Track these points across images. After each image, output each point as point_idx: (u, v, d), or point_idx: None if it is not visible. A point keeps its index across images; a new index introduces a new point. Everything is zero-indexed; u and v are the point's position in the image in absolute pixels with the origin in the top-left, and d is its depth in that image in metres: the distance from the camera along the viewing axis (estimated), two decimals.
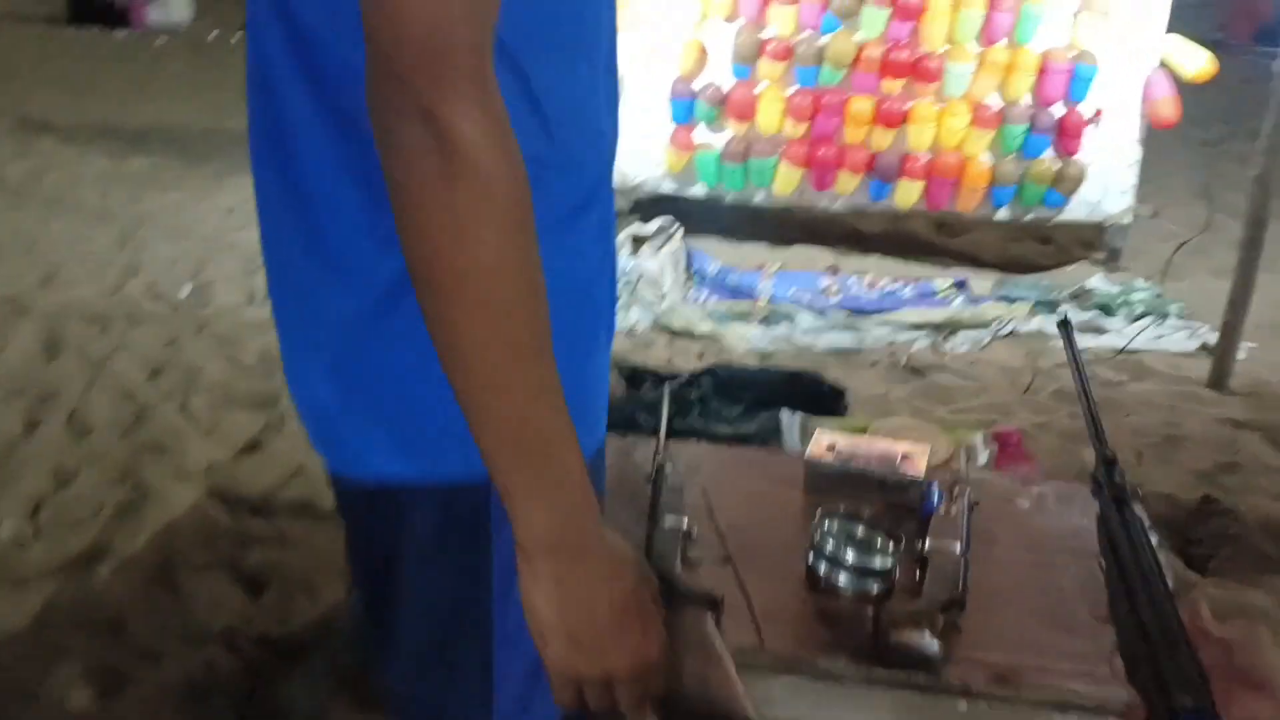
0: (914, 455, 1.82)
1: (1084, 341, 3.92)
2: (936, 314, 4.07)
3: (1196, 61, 4.22)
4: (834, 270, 4.55)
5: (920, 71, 4.41)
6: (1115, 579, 0.91)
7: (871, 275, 4.51)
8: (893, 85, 4.44)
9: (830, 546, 1.53)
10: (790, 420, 2.65)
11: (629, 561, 0.87)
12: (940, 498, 1.74)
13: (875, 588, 1.51)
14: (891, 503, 1.74)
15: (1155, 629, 0.83)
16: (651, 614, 0.87)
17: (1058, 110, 4.43)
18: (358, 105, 0.76)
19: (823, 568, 1.54)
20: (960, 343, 3.90)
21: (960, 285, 4.37)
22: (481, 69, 0.72)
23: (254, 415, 3.10)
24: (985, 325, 4.01)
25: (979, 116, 4.44)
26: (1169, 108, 4.35)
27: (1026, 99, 4.43)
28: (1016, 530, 1.71)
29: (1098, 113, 4.43)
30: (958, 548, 1.59)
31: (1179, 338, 3.96)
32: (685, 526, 1.57)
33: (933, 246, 4.97)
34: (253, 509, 2.66)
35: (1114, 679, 1.37)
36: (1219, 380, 3.59)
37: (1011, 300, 4.24)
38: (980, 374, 3.61)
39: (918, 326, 4.01)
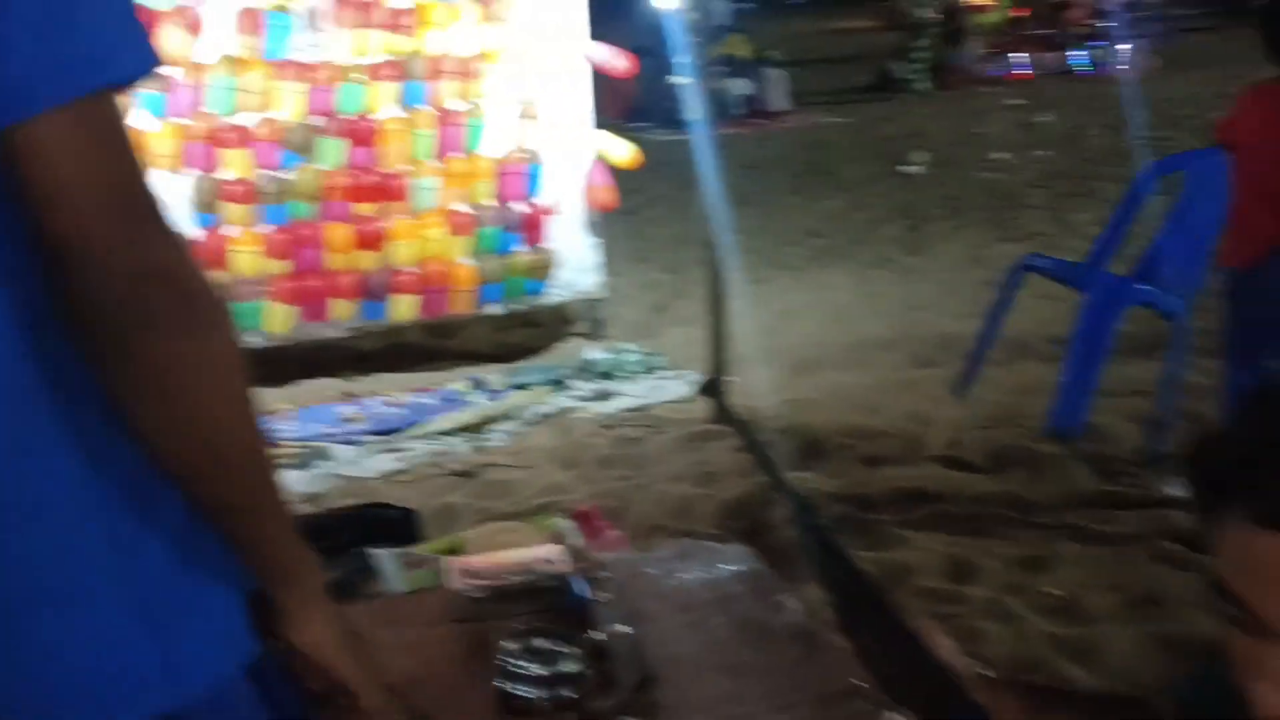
0: (552, 555, 1.90)
1: (598, 408, 4.28)
2: (466, 415, 4.20)
3: (623, 152, 4.81)
4: (351, 397, 4.51)
5: (389, 191, 4.56)
6: (843, 607, 1.04)
7: (389, 394, 4.53)
8: (366, 208, 4.53)
9: (519, 668, 1.56)
10: (386, 559, 2.59)
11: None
12: (587, 588, 1.83)
13: (569, 693, 1.56)
14: (548, 607, 1.80)
15: (900, 644, 0.95)
16: None
17: (521, 207, 4.80)
18: None
19: (517, 689, 1.55)
20: (497, 437, 4.06)
21: (478, 383, 4.55)
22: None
23: None
24: (513, 416, 4.21)
25: (453, 224, 4.68)
26: (606, 195, 4.90)
27: (491, 201, 4.75)
28: (661, 599, 1.85)
29: (555, 203, 4.86)
30: (624, 628, 1.68)
31: (675, 385, 4.44)
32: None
33: (434, 351, 5.11)
34: None
35: (802, 703, 1.55)
36: (719, 414, 4.09)
37: (527, 386, 4.49)
38: (527, 461, 3.79)
39: (452, 432, 4.10)
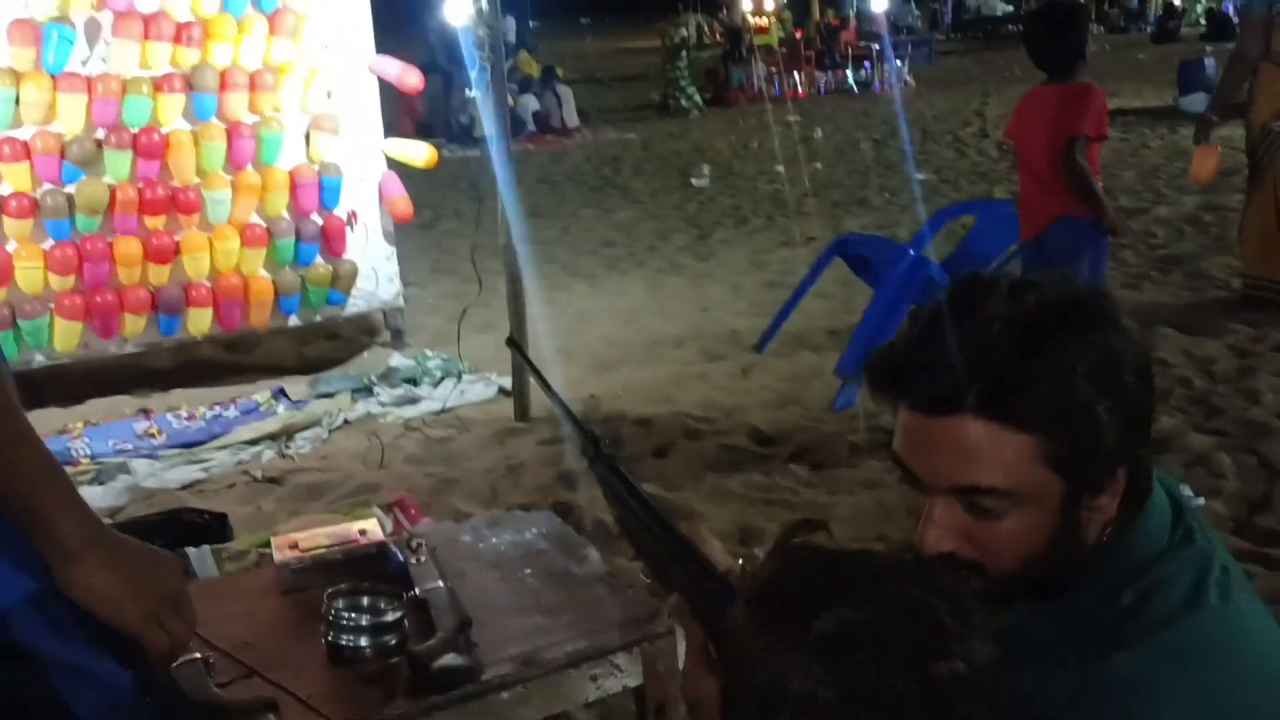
0: (368, 529, 2.02)
1: (405, 412, 4.37)
2: (269, 425, 4.22)
3: (420, 153, 4.93)
4: (147, 413, 4.43)
5: (180, 204, 4.51)
6: (630, 522, 1.21)
7: (186, 408, 4.48)
8: (156, 221, 4.48)
9: (346, 620, 1.69)
10: (199, 554, 2.64)
11: (166, 554, 1.20)
12: (404, 554, 1.97)
13: (393, 640, 1.70)
14: (370, 572, 1.92)
15: (672, 544, 1.13)
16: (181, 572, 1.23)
17: (317, 219, 4.84)
18: None
19: (344, 639, 1.68)
20: (301, 445, 4.10)
21: (279, 394, 4.55)
22: None
23: None
24: (318, 423, 4.25)
25: (248, 236, 4.67)
26: (403, 205, 5.00)
27: (285, 214, 4.76)
28: (474, 559, 2.00)
29: (352, 214, 4.92)
30: (442, 584, 1.84)
31: (479, 388, 4.59)
32: (200, 658, 1.61)
33: (230, 366, 5.07)
34: None
35: (600, 632, 1.74)
36: (523, 413, 4.27)
37: (331, 395, 4.54)
38: (336, 465, 3.85)
39: (255, 441, 4.11)
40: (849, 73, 18.12)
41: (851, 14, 22.71)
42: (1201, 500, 3.27)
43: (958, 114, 13.14)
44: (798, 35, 20.97)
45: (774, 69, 17.97)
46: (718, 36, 29.23)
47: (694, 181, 9.85)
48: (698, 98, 16.26)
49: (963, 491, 0.96)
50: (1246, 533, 3.07)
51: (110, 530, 1.15)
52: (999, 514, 0.96)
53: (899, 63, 17.96)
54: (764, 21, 22.12)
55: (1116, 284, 5.58)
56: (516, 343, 1.45)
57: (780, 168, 10.23)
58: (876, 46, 18.72)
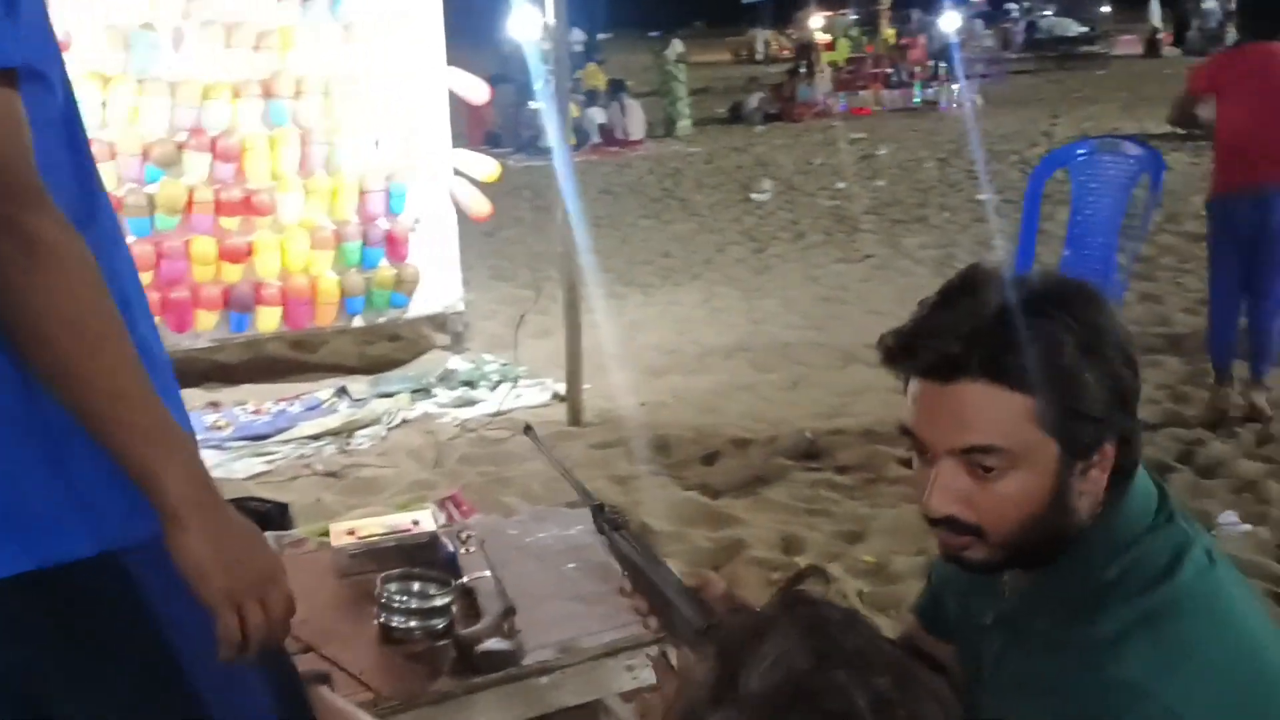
0: (420, 519, 2.13)
1: (461, 413, 4.50)
2: (331, 421, 4.37)
3: (486, 169, 5.06)
4: (216, 406, 4.61)
5: (252, 206, 4.69)
6: (639, 580, 1.34)
7: (253, 402, 4.65)
8: (230, 222, 4.66)
9: (398, 603, 1.79)
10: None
11: (261, 537, 1.18)
12: (454, 544, 2.07)
13: (441, 623, 1.80)
14: (422, 560, 2.03)
15: (669, 587, 1.26)
16: (282, 568, 1.19)
17: (383, 224, 4.99)
18: None
19: (395, 620, 1.79)
20: (361, 441, 4.24)
21: (341, 392, 4.71)
22: (41, 187, 1.02)
23: None
24: (377, 421, 4.39)
25: (316, 239, 4.83)
26: (482, 205, 5.13)
27: (354, 218, 4.92)
28: (519, 551, 2.10)
29: (416, 221, 5.07)
30: (489, 573, 1.94)
31: (534, 393, 4.70)
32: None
33: (296, 364, 5.24)
34: None
35: (636, 624, 1.82)
36: (576, 418, 4.37)
37: (391, 394, 4.68)
38: (393, 462, 3.98)
39: (318, 437, 4.26)
40: (916, 90, 18.06)
41: (922, 32, 22.64)
42: (1248, 526, 3.27)
43: (1024, 134, 13.04)
44: (867, 51, 20.97)
45: (841, 85, 17.98)
46: (785, 52, 29.27)
47: (754, 196, 9.92)
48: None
49: (965, 452, 1.06)
50: None
51: (222, 501, 1.13)
52: (998, 474, 1.05)
53: (967, 81, 17.86)
54: (831, 38, 22.15)
55: (1176, 308, 5.55)
56: (532, 430, 1.64)
57: (841, 184, 10.26)
58: (945, 65, 18.65)
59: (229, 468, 3.97)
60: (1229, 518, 3.29)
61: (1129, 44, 26.76)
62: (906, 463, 3.74)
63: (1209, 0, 26.44)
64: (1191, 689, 0.97)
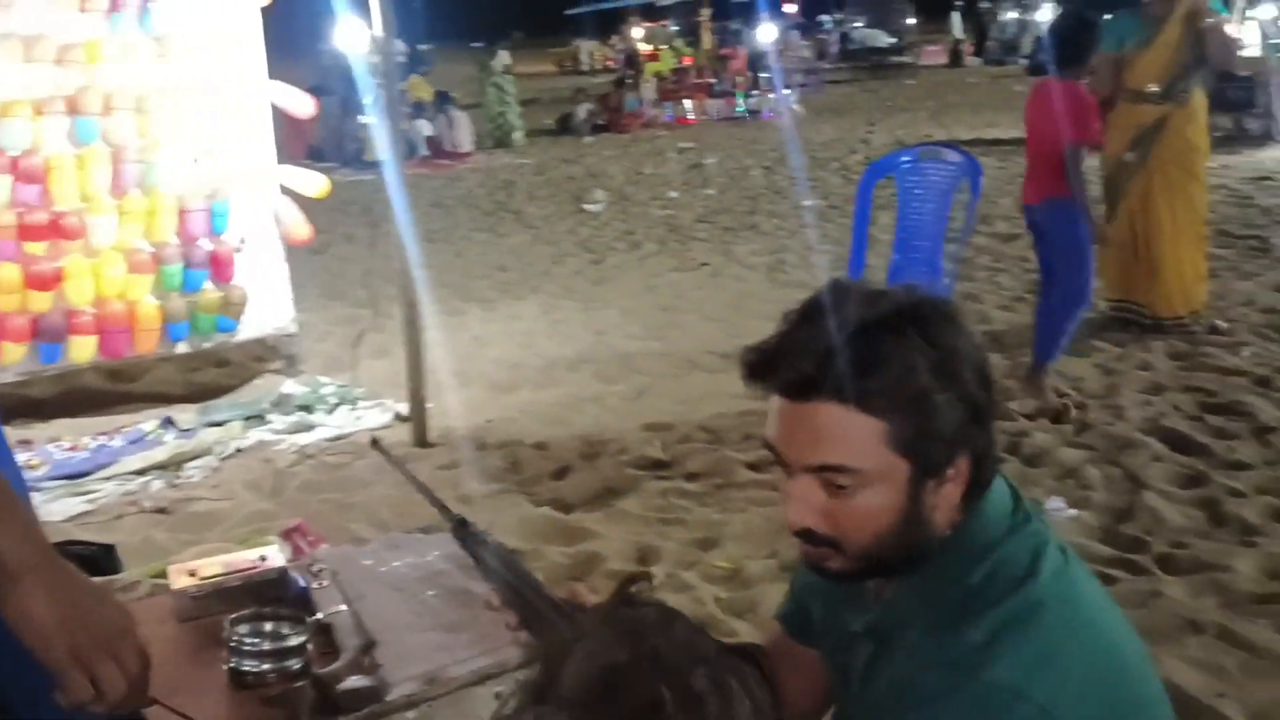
0: (268, 554, 2.03)
1: (299, 439, 4.33)
2: (157, 454, 4.14)
3: (315, 184, 4.90)
4: (27, 444, 4.31)
5: (61, 230, 4.41)
6: (505, 592, 1.37)
7: (69, 438, 4.37)
8: (36, 247, 4.37)
9: (248, 645, 1.70)
10: None
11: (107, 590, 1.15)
12: (306, 579, 1.98)
13: (297, 663, 1.72)
14: (272, 598, 1.93)
15: (537, 599, 1.29)
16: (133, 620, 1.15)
17: (206, 245, 4.76)
18: None
19: (246, 664, 1.69)
20: (192, 474, 4.03)
21: (167, 423, 4.47)
22: None
23: None
24: (209, 451, 4.19)
25: (133, 263, 4.58)
26: (302, 228, 4.96)
27: (174, 240, 4.69)
28: (375, 581, 2.03)
29: (242, 241, 4.86)
30: (345, 606, 1.86)
31: (375, 414, 4.57)
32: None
33: (115, 395, 4.94)
34: None
35: (503, 649, 1.78)
36: (421, 439, 4.27)
37: (221, 423, 4.47)
38: (229, 494, 3.80)
39: (143, 471, 4.03)
40: (740, 100, 18.49)
41: (742, 44, 23.20)
42: (1074, 511, 3.46)
43: (843, 141, 13.52)
44: (688, 63, 21.35)
45: (665, 96, 18.25)
46: (609, 63, 29.54)
47: (587, 207, 9.95)
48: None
49: (819, 470, 1.08)
50: (1113, 540, 3.25)
51: (60, 560, 1.09)
52: (851, 491, 1.07)
53: (788, 91, 18.40)
54: (654, 48, 22.46)
55: (993, 305, 5.84)
56: (379, 443, 1.63)
57: (673, 193, 10.41)
58: (766, 75, 19.16)
59: (46, 510, 3.70)
60: (1056, 503, 3.47)
61: (934, 54, 28.18)
62: (754, 467, 3.83)
63: (1005, 12, 28.06)
64: (1062, 687, 1.01)
